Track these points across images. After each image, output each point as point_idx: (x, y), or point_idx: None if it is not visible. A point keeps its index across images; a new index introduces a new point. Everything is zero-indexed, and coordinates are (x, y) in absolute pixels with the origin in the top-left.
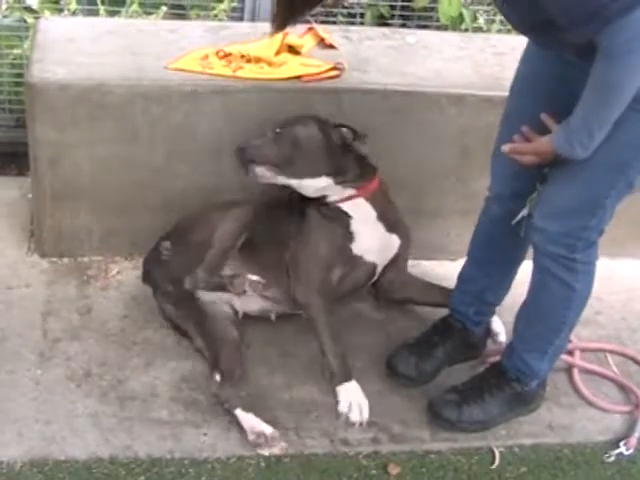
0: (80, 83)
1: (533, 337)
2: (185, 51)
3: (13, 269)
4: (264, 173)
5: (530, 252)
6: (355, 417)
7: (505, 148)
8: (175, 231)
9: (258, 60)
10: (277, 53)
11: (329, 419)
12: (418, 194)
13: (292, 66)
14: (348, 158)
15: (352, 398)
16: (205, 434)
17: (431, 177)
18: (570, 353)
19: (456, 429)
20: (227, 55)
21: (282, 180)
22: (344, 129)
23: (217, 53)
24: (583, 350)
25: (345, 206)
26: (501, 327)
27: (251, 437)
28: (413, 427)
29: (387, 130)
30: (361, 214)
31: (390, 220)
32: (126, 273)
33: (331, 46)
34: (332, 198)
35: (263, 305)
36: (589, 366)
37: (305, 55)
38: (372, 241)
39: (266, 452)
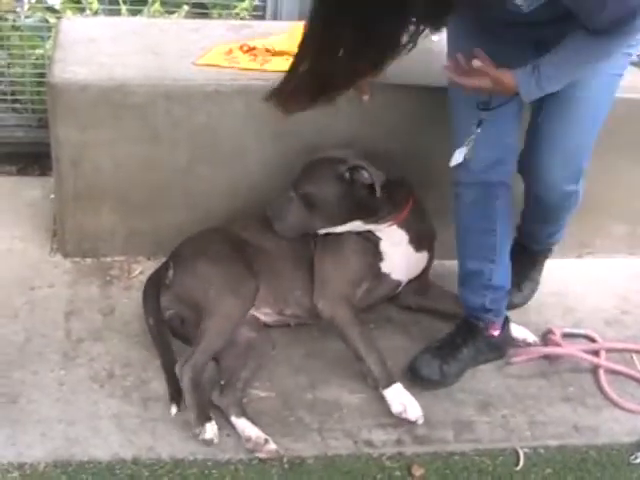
0: (102, 83)
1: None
2: (207, 50)
3: (36, 269)
4: (293, 232)
5: None
6: (413, 414)
7: (477, 62)
8: (178, 270)
9: (283, 54)
10: None
11: (352, 420)
12: (443, 194)
13: None
14: (374, 196)
15: (402, 398)
16: (228, 435)
17: None
18: (596, 353)
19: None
20: (251, 49)
21: (312, 231)
22: (364, 173)
23: (241, 47)
24: (609, 350)
25: (376, 231)
26: (522, 331)
27: (243, 442)
28: (437, 428)
29: (409, 129)
30: (392, 238)
31: (421, 240)
32: (149, 273)
33: None
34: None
35: (281, 319)
36: (615, 367)
37: None
38: (400, 261)
39: (262, 455)
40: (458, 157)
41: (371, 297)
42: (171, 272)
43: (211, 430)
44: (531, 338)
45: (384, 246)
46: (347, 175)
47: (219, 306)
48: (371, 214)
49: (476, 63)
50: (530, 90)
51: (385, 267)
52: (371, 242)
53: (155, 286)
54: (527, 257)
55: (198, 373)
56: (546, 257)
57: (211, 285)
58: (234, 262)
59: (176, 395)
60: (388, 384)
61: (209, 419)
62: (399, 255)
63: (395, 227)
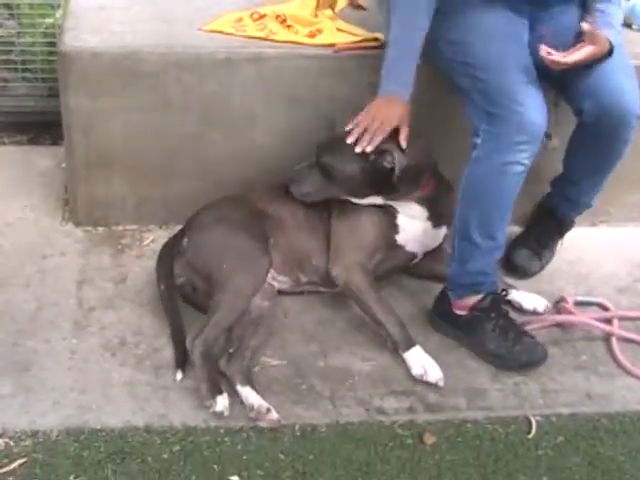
0: (112, 51)
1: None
2: (218, 17)
3: (48, 238)
4: (307, 197)
5: None
6: (433, 377)
7: (586, 25)
8: (192, 233)
9: (294, 19)
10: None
11: (364, 388)
12: (452, 160)
13: (327, 34)
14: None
15: (422, 361)
16: (241, 402)
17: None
18: (608, 321)
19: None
20: (262, 17)
21: (328, 198)
22: (387, 156)
23: (252, 15)
24: (621, 318)
25: (394, 203)
26: (532, 300)
27: (247, 411)
28: (449, 396)
29: (429, 101)
30: (409, 212)
31: (441, 216)
32: (161, 241)
33: (360, 7)
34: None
35: (296, 286)
36: (628, 335)
37: (341, 17)
38: (417, 235)
39: (264, 424)
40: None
41: (385, 267)
42: (186, 240)
43: (222, 403)
44: (541, 306)
45: (401, 219)
46: (372, 156)
47: (232, 281)
48: (390, 192)
49: (585, 26)
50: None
51: (400, 239)
52: (388, 214)
53: (169, 253)
54: (557, 227)
55: (209, 347)
56: (570, 227)
57: (225, 258)
58: (250, 236)
59: (182, 361)
60: (408, 347)
61: (220, 392)
62: (416, 229)
63: (413, 203)
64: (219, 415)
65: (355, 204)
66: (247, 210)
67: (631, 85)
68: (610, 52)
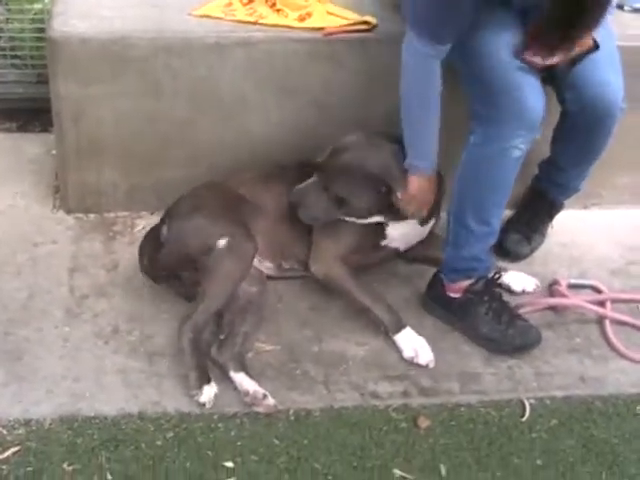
0: (101, 37)
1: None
2: (207, 1)
3: (39, 226)
4: (317, 221)
5: None
6: (424, 359)
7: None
8: (172, 222)
9: (284, 3)
10: None
11: (359, 372)
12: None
13: (317, 18)
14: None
15: (414, 343)
16: (234, 389)
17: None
18: (601, 304)
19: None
20: (251, 1)
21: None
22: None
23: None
24: (614, 301)
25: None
26: (521, 280)
27: (242, 396)
28: (443, 380)
29: None
30: (402, 227)
31: (430, 214)
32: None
33: None
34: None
35: (281, 273)
36: (621, 317)
37: (331, 1)
38: (403, 235)
39: (260, 410)
40: None
41: (367, 263)
42: (165, 229)
43: (207, 394)
44: (531, 286)
45: (390, 228)
46: (383, 190)
47: (219, 267)
48: (395, 216)
49: None
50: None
51: (385, 242)
52: (379, 224)
53: (152, 241)
54: (546, 209)
55: (198, 333)
56: (560, 210)
57: (210, 244)
58: (232, 220)
59: None
60: (398, 329)
61: (208, 381)
62: (402, 232)
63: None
64: (202, 406)
65: None
66: (225, 196)
67: (615, 77)
68: (595, 47)
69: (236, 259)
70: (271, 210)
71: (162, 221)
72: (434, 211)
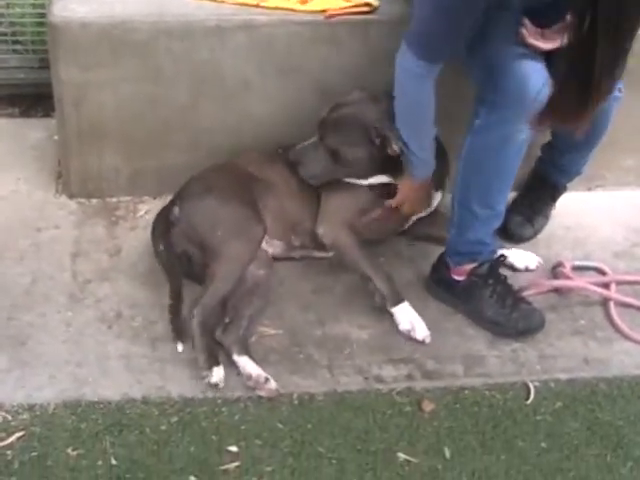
0: (102, 21)
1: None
2: None
3: (41, 211)
4: (317, 180)
5: None
6: (421, 334)
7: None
8: (184, 203)
9: None
10: None
11: (362, 356)
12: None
13: (319, 0)
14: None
15: (410, 317)
16: (238, 373)
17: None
18: (606, 286)
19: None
20: None
21: (337, 178)
22: (393, 144)
23: None
24: (619, 283)
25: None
26: (523, 258)
27: (244, 380)
28: (447, 363)
29: None
30: None
31: (437, 180)
32: (155, 212)
33: None
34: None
35: (289, 251)
36: (625, 299)
37: None
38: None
39: (262, 393)
40: None
41: (377, 230)
42: (177, 209)
43: (217, 375)
44: (533, 264)
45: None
46: (377, 141)
47: (227, 249)
48: (397, 172)
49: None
50: None
51: (395, 202)
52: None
53: (164, 220)
54: (548, 192)
55: (207, 316)
56: (562, 193)
57: (219, 226)
58: (242, 202)
59: (180, 332)
60: (396, 302)
61: (217, 363)
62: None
63: None
64: (214, 387)
65: None
66: (236, 176)
67: None
68: None
69: (245, 241)
70: (280, 186)
71: (172, 202)
72: (440, 184)
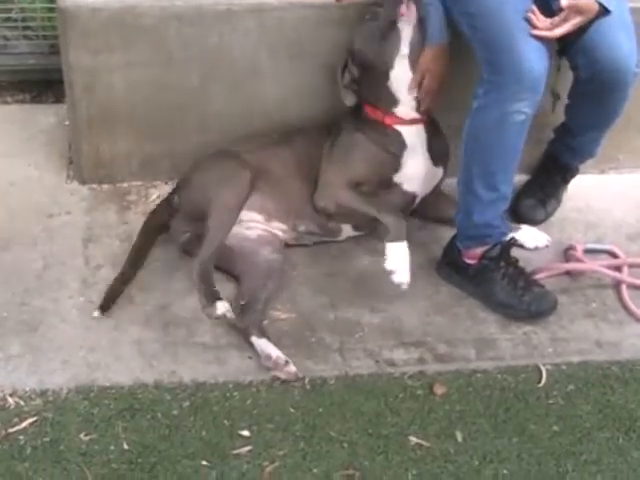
0: (112, 6)
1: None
2: None
3: (53, 197)
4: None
5: None
6: (400, 278)
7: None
8: (182, 190)
9: None
10: None
11: (374, 340)
12: (459, 109)
13: None
14: None
15: (400, 259)
16: (250, 357)
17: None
18: (618, 269)
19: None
20: None
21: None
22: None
23: None
24: (631, 266)
25: (405, 130)
26: (533, 237)
27: (262, 361)
28: (459, 346)
29: None
30: (416, 142)
31: (438, 152)
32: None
33: None
34: (401, 110)
35: (296, 236)
36: (637, 282)
37: None
38: (416, 172)
39: (281, 376)
40: None
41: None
42: (176, 197)
43: (222, 306)
44: (543, 242)
45: (406, 156)
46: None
47: (215, 200)
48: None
49: (564, 2)
50: (612, 1)
51: (398, 177)
52: (392, 153)
53: (161, 211)
54: (560, 174)
55: (206, 265)
56: (574, 175)
57: (208, 188)
58: (227, 162)
59: (107, 303)
60: (395, 239)
61: (219, 298)
62: (416, 166)
63: (422, 127)
64: (222, 318)
65: (350, 141)
66: (232, 161)
67: (628, 42)
68: (604, 11)
69: (231, 187)
70: (277, 170)
71: (172, 193)
72: (443, 158)
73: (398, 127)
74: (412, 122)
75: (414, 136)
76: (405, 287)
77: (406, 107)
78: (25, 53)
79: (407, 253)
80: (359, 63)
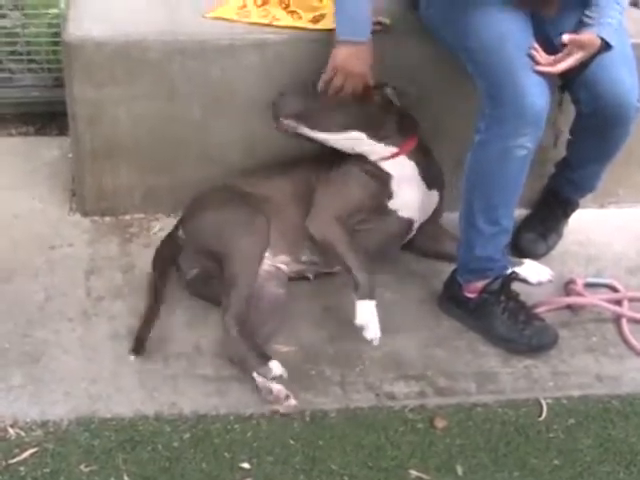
0: (116, 40)
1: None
2: (221, 3)
3: (55, 229)
4: (290, 124)
5: None
6: (370, 334)
7: (566, 36)
8: (188, 225)
9: (297, 4)
10: None
11: (374, 373)
12: (460, 143)
13: (331, 19)
14: (386, 114)
15: (370, 316)
16: (251, 390)
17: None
18: (618, 303)
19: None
20: (265, 3)
21: (308, 132)
22: (388, 90)
23: (255, 1)
24: (631, 300)
25: (386, 165)
26: (535, 271)
27: (263, 395)
28: (459, 380)
29: (428, 80)
30: (403, 172)
31: (432, 176)
32: (168, 230)
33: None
34: (373, 157)
35: (299, 268)
36: (638, 316)
37: None
38: (411, 198)
39: (281, 410)
40: None
41: (381, 236)
42: (181, 232)
43: (277, 367)
44: (546, 277)
45: (395, 184)
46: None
47: (237, 248)
48: (375, 127)
49: (565, 37)
50: (614, 37)
51: (393, 204)
52: (380, 180)
53: (168, 246)
54: (561, 208)
55: (242, 320)
56: (575, 209)
57: (222, 230)
58: (239, 204)
59: (139, 346)
60: (365, 296)
61: (269, 357)
62: (410, 192)
63: (404, 158)
64: (279, 378)
65: (343, 171)
66: (233, 193)
67: (630, 77)
68: (606, 47)
69: (250, 234)
70: (279, 201)
71: (176, 227)
72: (437, 181)
73: (381, 164)
74: (393, 156)
75: (400, 166)
76: (376, 343)
77: (379, 152)
78: (29, 86)
79: (375, 310)
80: None
